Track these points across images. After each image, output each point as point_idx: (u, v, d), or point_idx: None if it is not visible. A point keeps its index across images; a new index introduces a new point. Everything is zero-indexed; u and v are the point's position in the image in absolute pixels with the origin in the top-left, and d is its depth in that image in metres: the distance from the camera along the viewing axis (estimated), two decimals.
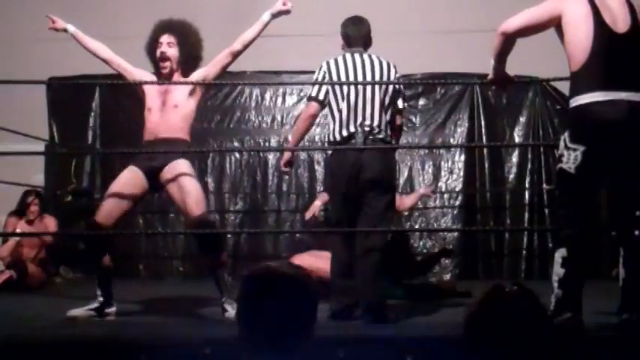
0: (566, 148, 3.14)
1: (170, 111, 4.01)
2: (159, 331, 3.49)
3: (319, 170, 6.91)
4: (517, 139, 7.01)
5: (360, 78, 3.89)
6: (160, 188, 4.01)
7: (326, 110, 3.97)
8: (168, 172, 3.91)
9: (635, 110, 3.06)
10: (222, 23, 6.80)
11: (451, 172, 6.99)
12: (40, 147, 6.34)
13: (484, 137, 6.98)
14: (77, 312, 3.80)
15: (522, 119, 7.02)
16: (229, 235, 6.81)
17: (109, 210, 3.88)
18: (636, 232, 3.11)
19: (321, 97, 3.91)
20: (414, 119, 7.02)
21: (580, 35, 3.11)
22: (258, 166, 7.00)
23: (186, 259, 6.87)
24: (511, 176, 6.99)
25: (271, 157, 6.98)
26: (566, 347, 2.65)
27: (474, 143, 6.98)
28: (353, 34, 4.05)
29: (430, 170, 6.99)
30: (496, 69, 3.43)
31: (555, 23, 3.19)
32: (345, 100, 3.86)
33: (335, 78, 3.90)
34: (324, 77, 3.93)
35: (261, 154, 6.98)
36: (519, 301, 1.69)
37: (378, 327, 3.58)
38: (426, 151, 7.00)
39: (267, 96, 7.10)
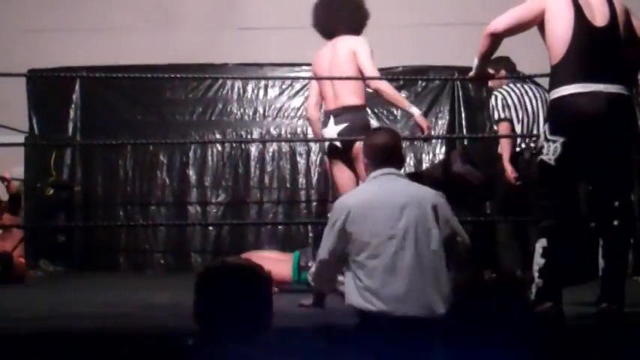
0: (546, 139, 3.18)
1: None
2: (140, 323, 3.48)
3: (301, 162, 6.90)
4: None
5: (528, 104, 4.86)
6: None
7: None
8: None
9: (613, 102, 3.11)
10: (205, 13, 6.78)
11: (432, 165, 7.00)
12: (20, 139, 6.28)
13: (464, 130, 6.99)
14: None
15: None
16: (211, 228, 6.79)
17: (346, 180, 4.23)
18: (615, 223, 3.16)
19: (508, 116, 4.89)
20: (395, 112, 7.02)
21: (560, 28, 3.16)
22: (240, 159, 6.97)
23: (167, 251, 6.85)
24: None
25: (253, 150, 6.96)
26: (546, 335, 2.68)
27: (455, 135, 7.00)
28: (511, 68, 5.08)
29: (412, 162, 7.00)
30: (479, 68, 3.49)
31: (540, 20, 3.23)
32: (520, 123, 4.84)
33: (511, 104, 4.88)
34: (503, 103, 4.89)
35: (243, 147, 6.96)
36: (499, 290, 1.71)
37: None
38: (407, 143, 7.02)
39: (250, 88, 7.07)
